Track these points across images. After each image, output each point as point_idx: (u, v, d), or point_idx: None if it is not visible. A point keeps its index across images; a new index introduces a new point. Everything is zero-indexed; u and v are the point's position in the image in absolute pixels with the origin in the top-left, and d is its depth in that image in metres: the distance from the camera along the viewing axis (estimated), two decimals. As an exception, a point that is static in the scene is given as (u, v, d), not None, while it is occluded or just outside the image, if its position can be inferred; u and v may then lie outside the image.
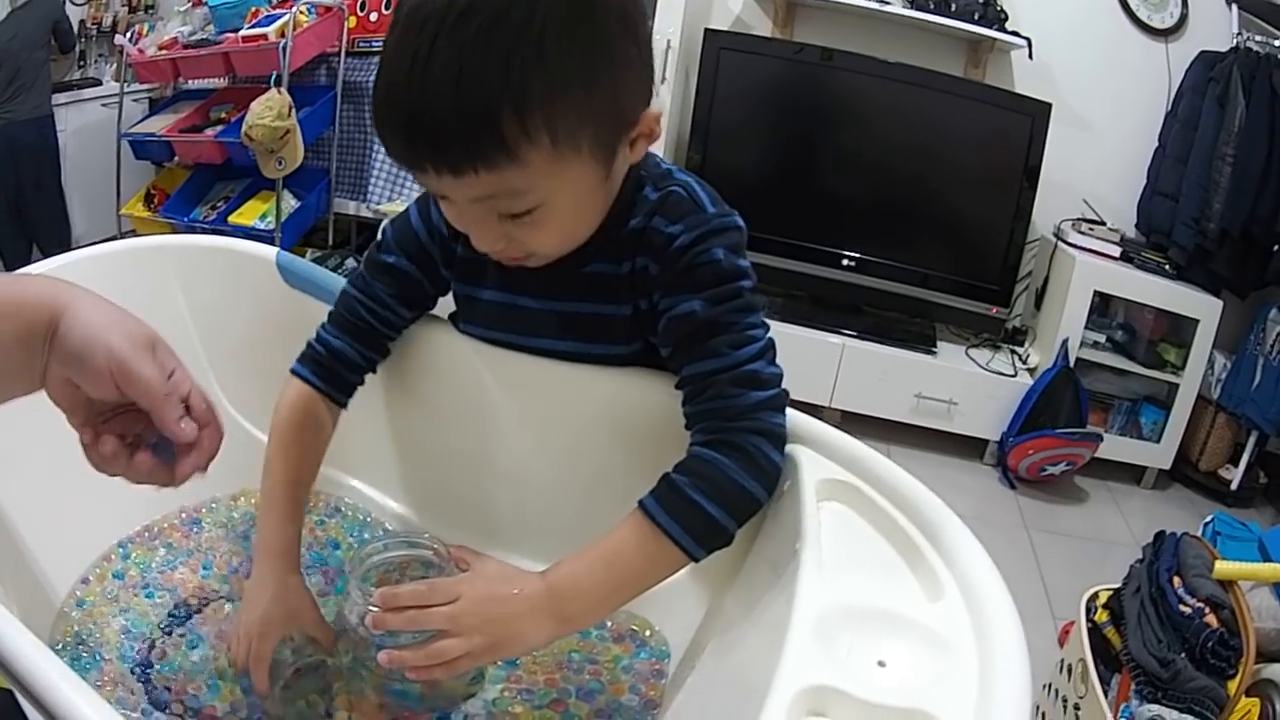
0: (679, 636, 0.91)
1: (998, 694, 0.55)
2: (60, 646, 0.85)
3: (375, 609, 0.76)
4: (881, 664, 0.58)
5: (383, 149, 3.44)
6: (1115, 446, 3.04)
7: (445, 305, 0.99)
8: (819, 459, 0.80)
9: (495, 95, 0.66)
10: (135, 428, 0.67)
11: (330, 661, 0.84)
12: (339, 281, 1.00)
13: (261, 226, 3.34)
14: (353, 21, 3.44)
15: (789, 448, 0.81)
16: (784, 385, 0.81)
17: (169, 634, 0.90)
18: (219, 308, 1.11)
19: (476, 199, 0.72)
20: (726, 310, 0.80)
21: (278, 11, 3.42)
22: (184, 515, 1.05)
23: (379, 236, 0.96)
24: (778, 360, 0.82)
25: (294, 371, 0.95)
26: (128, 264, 1.08)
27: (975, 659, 0.58)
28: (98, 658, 0.85)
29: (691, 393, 0.81)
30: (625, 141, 0.76)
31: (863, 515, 0.75)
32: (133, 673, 0.85)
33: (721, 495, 0.76)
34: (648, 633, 0.94)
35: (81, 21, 4.53)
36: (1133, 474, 3.14)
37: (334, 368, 0.94)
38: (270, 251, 1.09)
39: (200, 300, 1.11)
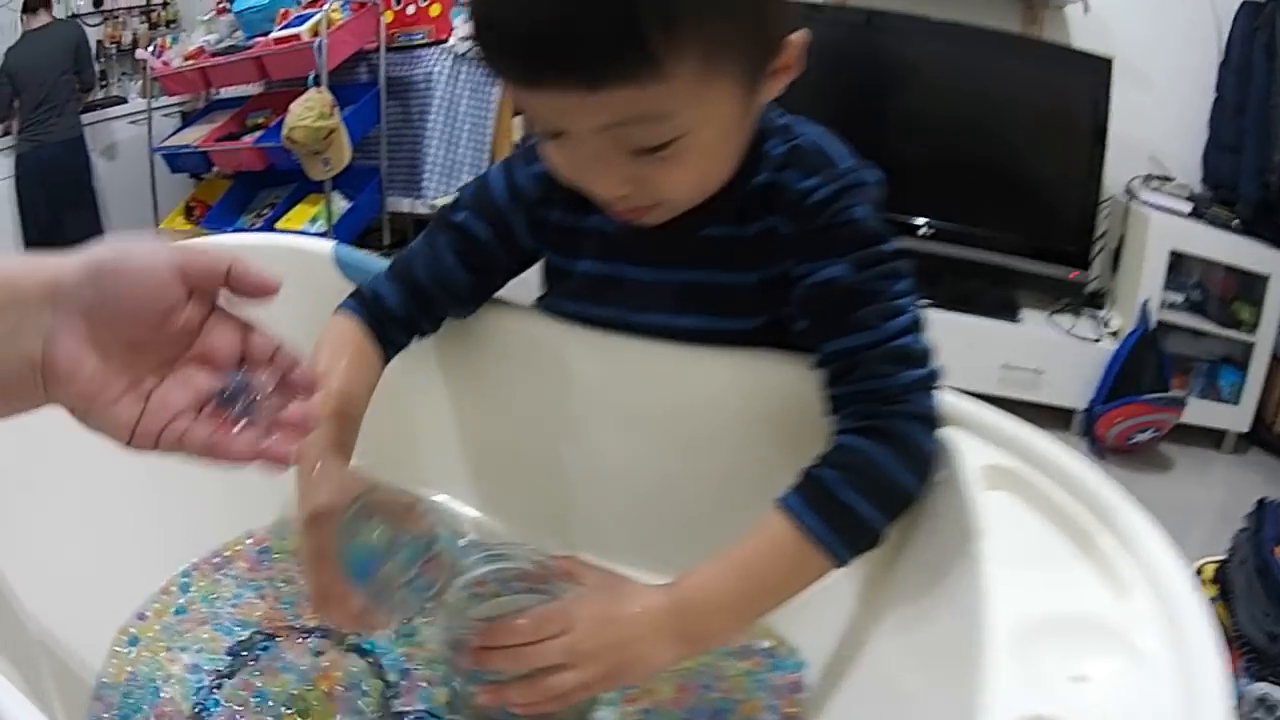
0: (813, 648, 0.80)
1: (1204, 709, 0.47)
2: (110, 683, 0.76)
3: (470, 639, 0.66)
4: (1078, 679, 0.50)
5: (434, 142, 3.47)
6: (1195, 410, 2.94)
7: (527, 292, 0.90)
8: (976, 443, 0.71)
9: None
10: (183, 395, 0.52)
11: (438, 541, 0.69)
12: None
13: (312, 231, 3.28)
14: (389, 16, 3.39)
15: (940, 431, 0.71)
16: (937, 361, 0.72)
17: (234, 673, 0.79)
18: (272, 310, 0.99)
19: (605, 127, 0.62)
20: (873, 276, 0.70)
21: (308, 11, 3.36)
22: (251, 542, 0.95)
23: (456, 197, 0.86)
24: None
25: (338, 309, 0.84)
26: None
27: (1173, 666, 0.51)
28: (155, 693, 0.76)
29: (836, 372, 0.71)
30: (768, 72, 0.66)
31: (1032, 505, 0.65)
32: (196, 712, 0.75)
33: (874, 490, 0.67)
34: (771, 644, 0.83)
35: (99, 41, 4.50)
36: (1212, 439, 3.03)
37: (379, 314, 0.83)
38: (326, 246, 0.99)
39: (261, 310, 1.01)
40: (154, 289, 0.49)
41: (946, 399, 0.72)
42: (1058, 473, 0.66)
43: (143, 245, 0.49)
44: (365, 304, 0.84)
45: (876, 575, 0.74)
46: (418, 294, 0.84)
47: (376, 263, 0.93)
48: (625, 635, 0.66)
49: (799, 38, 0.66)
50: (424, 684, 0.78)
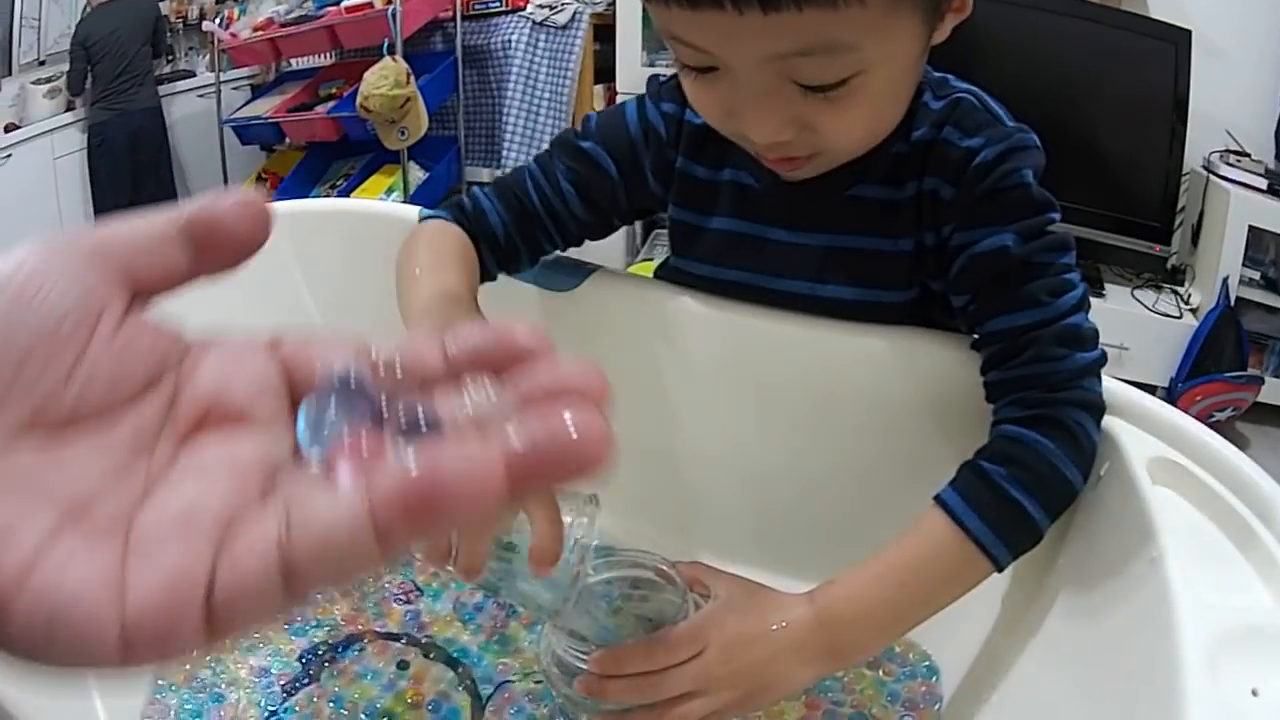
0: (945, 653, 0.75)
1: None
2: (170, 686, 0.71)
3: (586, 666, 0.59)
4: (1255, 693, 0.46)
5: (513, 111, 3.45)
6: (1271, 389, 2.88)
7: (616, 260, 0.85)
8: (1140, 435, 0.64)
9: None
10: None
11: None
12: None
13: (405, 204, 3.27)
14: (464, -17, 3.37)
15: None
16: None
17: (309, 678, 0.73)
18: (345, 282, 0.94)
19: (776, 57, 0.56)
20: (1042, 247, 0.65)
21: (381, -21, 3.35)
22: None
23: (581, 126, 0.79)
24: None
25: (428, 217, 0.78)
26: None
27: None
28: (218, 699, 0.71)
29: (1002, 353, 0.65)
30: (945, 10, 0.61)
31: (1195, 504, 0.60)
32: None
33: (1041, 487, 0.61)
34: (901, 648, 0.76)
35: (164, 16, 4.53)
36: (1286, 417, 2.99)
37: (473, 229, 0.76)
38: (409, 211, 0.90)
39: (321, 274, 0.96)
40: (34, 299, 0.25)
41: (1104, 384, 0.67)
42: (1223, 470, 0.60)
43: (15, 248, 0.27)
44: (466, 216, 0.77)
45: (1023, 575, 0.68)
46: (524, 219, 0.77)
47: None
48: (764, 655, 0.60)
49: None
50: (524, 699, 0.71)
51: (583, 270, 0.85)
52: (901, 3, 0.56)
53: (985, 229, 0.66)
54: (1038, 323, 0.64)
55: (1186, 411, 2.58)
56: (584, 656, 0.59)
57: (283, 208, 0.98)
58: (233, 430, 0.27)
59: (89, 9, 3.92)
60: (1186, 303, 2.91)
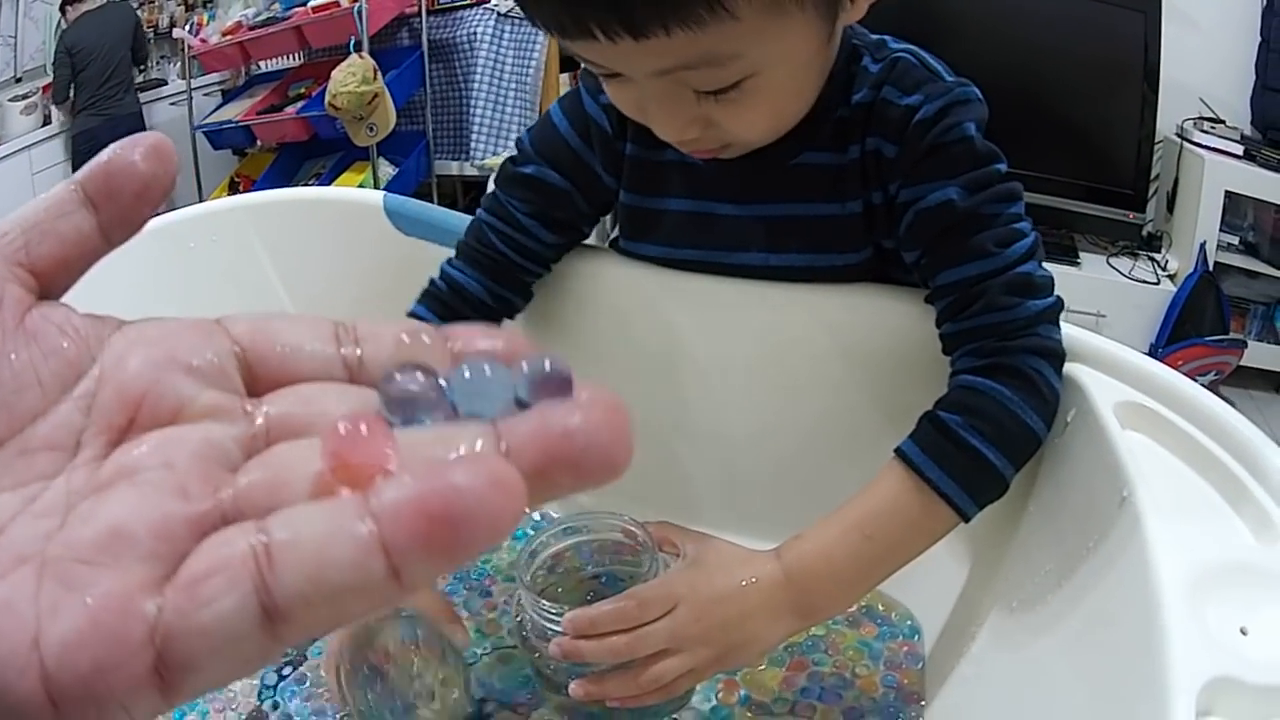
0: (926, 610, 0.75)
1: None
2: None
3: (560, 630, 0.59)
4: (1244, 632, 0.46)
5: (480, 103, 3.46)
6: (1254, 353, 2.90)
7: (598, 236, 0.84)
8: (1106, 380, 0.64)
9: None
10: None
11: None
12: (465, 220, 0.82)
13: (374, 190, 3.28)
14: (429, -21, 3.36)
15: (1066, 368, 0.66)
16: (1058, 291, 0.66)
17: (304, 654, 0.73)
18: (316, 270, 0.93)
19: (664, 71, 0.56)
20: (988, 198, 0.64)
21: (347, -22, 3.35)
22: None
23: (515, 150, 0.79)
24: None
25: (411, 314, 0.77)
26: (198, 232, 0.93)
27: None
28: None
29: (954, 305, 0.65)
30: None
31: (1169, 448, 0.59)
32: (261, 702, 0.70)
33: (1001, 436, 0.60)
34: (882, 607, 0.76)
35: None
36: (1271, 381, 3.00)
37: (460, 309, 0.75)
38: (374, 196, 0.91)
39: (292, 263, 0.94)
40: None
41: (1067, 332, 0.66)
42: (1197, 414, 0.59)
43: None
44: (443, 302, 0.76)
45: (994, 526, 0.67)
46: (500, 273, 0.77)
47: (428, 210, 0.87)
48: (735, 612, 0.61)
49: None
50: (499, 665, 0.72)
51: None
52: (783, 5, 0.55)
53: (930, 184, 0.66)
54: (987, 273, 0.64)
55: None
56: (556, 619, 0.59)
57: (249, 200, 0.97)
58: (175, 428, 0.22)
59: (67, 21, 3.91)
60: (1164, 269, 2.92)
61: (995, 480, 0.61)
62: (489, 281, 0.77)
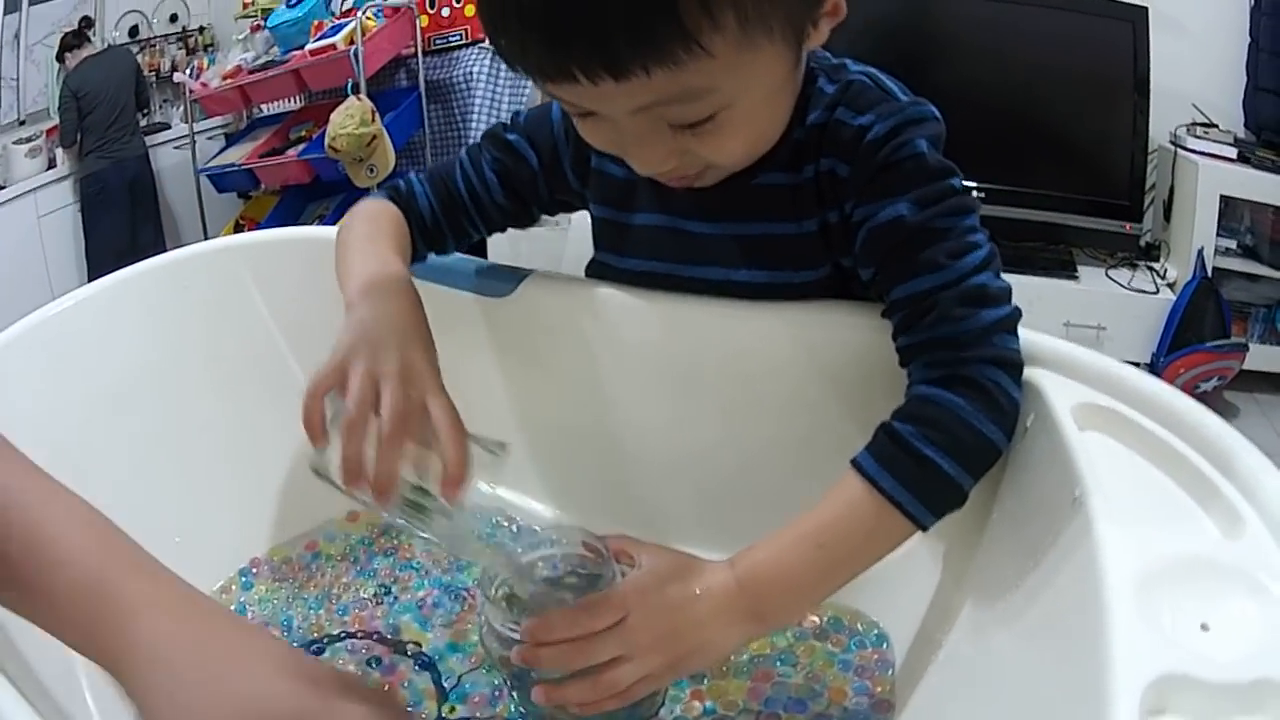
0: (893, 619, 0.75)
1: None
2: None
3: (519, 638, 0.61)
4: (1205, 628, 0.46)
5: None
6: (1257, 356, 2.89)
7: (579, 260, 0.86)
8: (1064, 382, 0.64)
9: None
10: None
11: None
12: (452, 259, 0.87)
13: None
14: (425, 20, 3.39)
15: (1025, 373, 0.65)
16: (1015, 301, 0.66)
17: None
18: (308, 309, 0.91)
19: (641, 109, 0.58)
20: (939, 213, 0.65)
21: (342, 21, 3.38)
22: (305, 548, 0.92)
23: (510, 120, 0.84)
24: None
25: (369, 197, 0.82)
26: (191, 272, 0.94)
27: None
28: None
29: (907, 318, 0.66)
30: (813, 20, 0.62)
31: (1131, 446, 0.59)
32: None
33: (956, 446, 0.61)
34: (848, 618, 0.77)
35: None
36: (1275, 383, 2.98)
37: (405, 210, 0.80)
38: None
39: (285, 304, 0.95)
40: None
41: (1024, 337, 0.66)
42: (1160, 412, 0.59)
43: None
44: (400, 196, 0.81)
45: (960, 535, 0.68)
46: (450, 204, 0.81)
47: None
48: (687, 620, 0.61)
49: None
50: (481, 683, 0.74)
51: (517, 275, 0.87)
52: (757, 37, 0.57)
53: (881, 201, 0.66)
54: (940, 285, 0.64)
55: (1171, 384, 2.55)
56: (516, 628, 0.61)
57: (241, 240, 1.00)
58: None
59: (66, 68, 3.95)
60: (1163, 278, 2.92)
61: (951, 490, 0.61)
62: (437, 206, 0.81)
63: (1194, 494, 0.54)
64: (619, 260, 0.83)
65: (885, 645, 0.75)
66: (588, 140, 0.67)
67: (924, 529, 0.61)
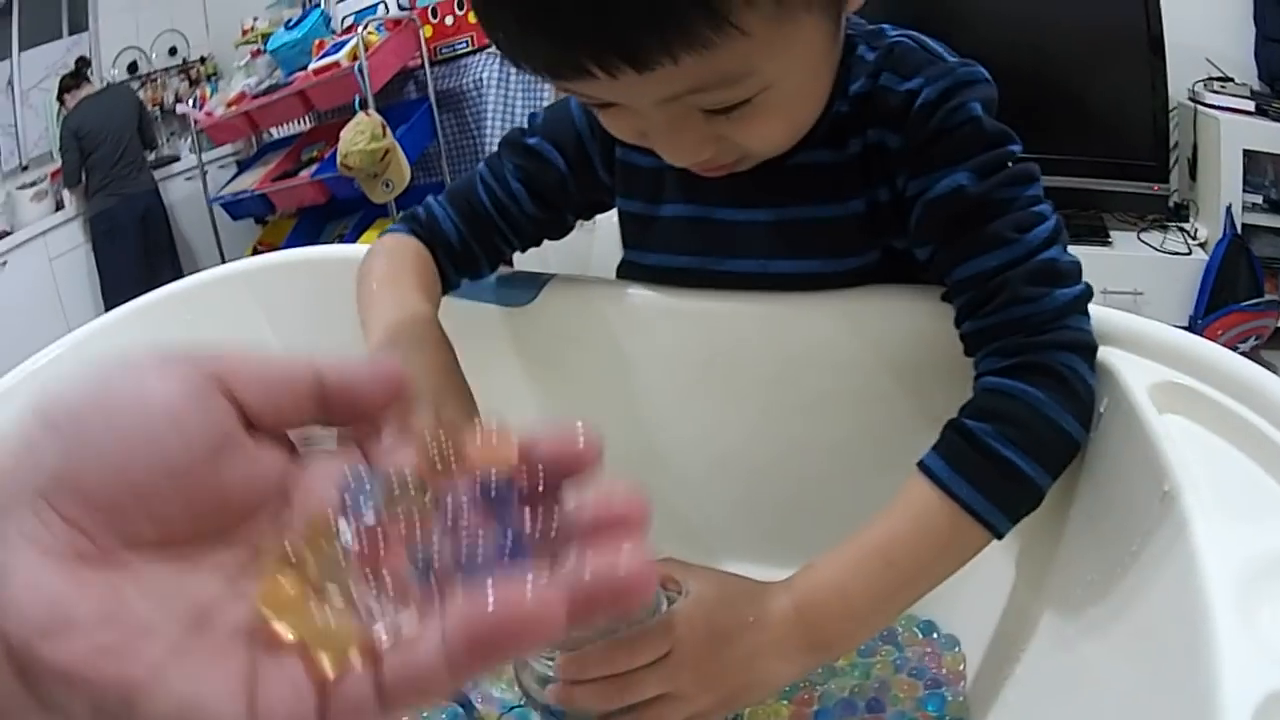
0: (964, 626, 0.70)
1: None
2: None
3: (554, 674, 0.56)
4: None
5: (494, 148, 3.52)
6: (1291, 312, 2.88)
7: (607, 262, 0.82)
8: (1139, 361, 0.58)
9: None
10: None
11: None
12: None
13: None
14: (428, 30, 3.38)
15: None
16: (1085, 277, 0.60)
17: None
18: (317, 334, 0.88)
19: (671, 98, 0.53)
20: (1002, 182, 0.60)
21: (344, 38, 3.38)
22: None
23: (527, 122, 0.78)
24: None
25: (387, 232, 0.76)
26: (196, 302, 0.92)
27: None
28: None
29: (973, 300, 0.60)
30: None
31: (1215, 430, 0.53)
32: None
33: (1035, 443, 0.55)
34: (902, 624, 0.73)
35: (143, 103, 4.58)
36: (1309, 341, 2.97)
37: (430, 241, 0.74)
38: (365, 251, 0.89)
39: (292, 328, 0.93)
40: (164, 423, 0.26)
41: (1092, 314, 0.61)
42: (1245, 391, 0.53)
43: (139, 365, 0.27)
44: (421, 226, 0.75)
45: (1033, 534, 0.62)
46: (478, 223, 0.75)
47: None
48: (741, 654, 0.55)
49: None
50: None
51: (537, 281, 0.83)
52: (792, 10, 0.51)
53: (938, 172, 0.61)
54: (1007, 263, 0.59)
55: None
56: (551, 663, 0.57)
57: (243, 266, 0.97)
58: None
59: (66, 108, 3.96)
60: (1194, 238, 2.89)
61: (1030, 492, 0.56)
62: (464, 228, 0.75)
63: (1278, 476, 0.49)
64: (645, 257, 0.78)
65: (957, 649, 0.71)
66: (611, 132, 0.62)
67: (999, 537, 0.56)
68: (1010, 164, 0.61)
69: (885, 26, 0.67)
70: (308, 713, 0.25)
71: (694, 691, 0.55)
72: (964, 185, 0.60)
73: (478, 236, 0.75)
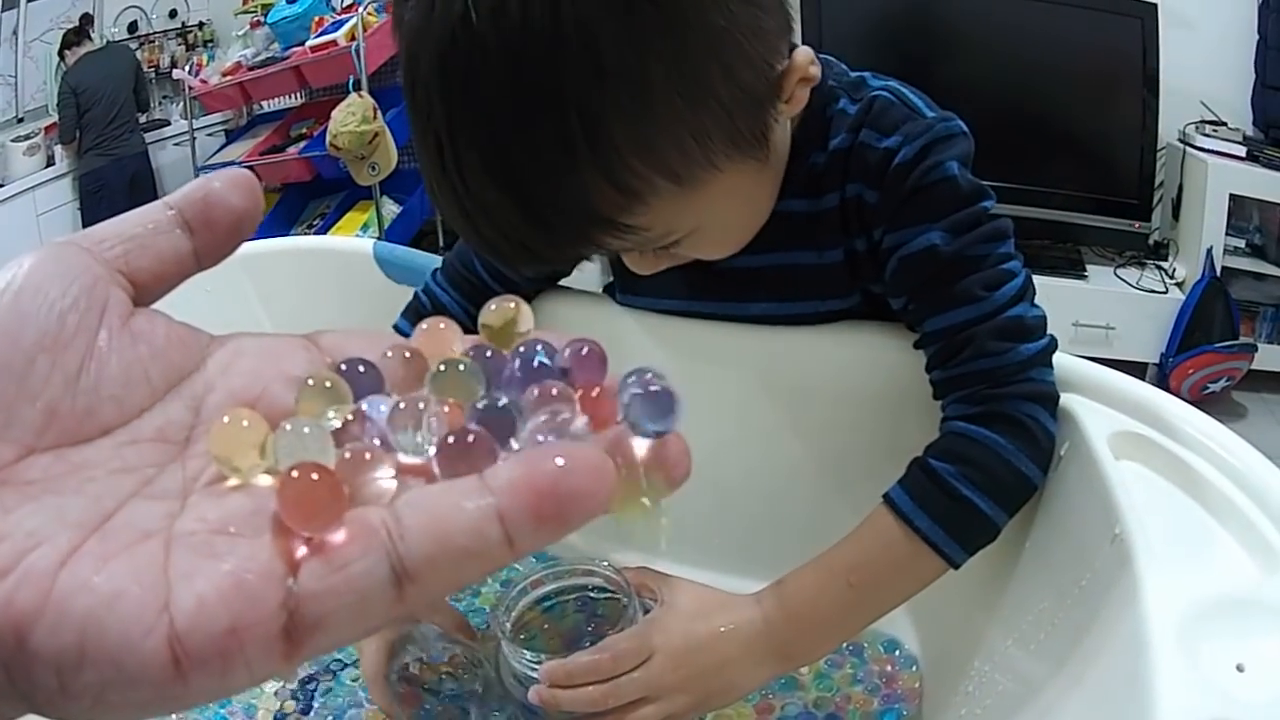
0: (921, 644, 0.74)
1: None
2: None
3: (534, 675, 0.60)
4: (1240, 669, 0.44)
5: None
6: (1265, 356, 2.88)
7: (590, 279, 0.83)
8: (1099, 409, 0.62)
9: (575, 183, 0.50)
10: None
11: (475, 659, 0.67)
12: None
13: (365, 238, 3.28)
14: (427, 17, 3.36)
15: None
16: (1050, 331, 0.64)
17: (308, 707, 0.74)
18: (310, 319, 0.92)
19: (609, 251, 0.61)
20: (973, 240, 0.63)
21: (344, 17, 3.36)
22: None
23: None
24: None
25: (396, 328, 0.78)
26: (194, 281, 0.93)
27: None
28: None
29: (942, 352, 0.64)
30: (775, 111, 0.59)
31: (1166, 476, 0.57)
32: None
33: (993, 484, 0.60)
34: (868, 640, 0.76)
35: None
36: (1281, 383, 2.98)
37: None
38: (364, 244, 0.93)
39: (286, 312, 0.95)
40: (29, 296, 0.24)
41: (1057, 363, 0.64)
42: (1193, 441, 0.57)
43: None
44: (423, 316, 0.76)
45: (990, 565, 0.65)
46: (478, 296, 0.76)
47: (419, 258, 0.88)
48: (713, 660, 0.61)
49: (801, 56, 0.58)
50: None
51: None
52: (699, 176, 0.54)
53: (913, 228, 0.64)
54: (976, 318, 0.62)
55: (1179, 385, 2.55)
56: (536, 667, 0.60)
57: (243, 250, 0.97)
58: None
59: (66, 64, 3.94)
60: (1171, 277, 2.91)
61: (986, 528, 0.61)
62: (466, 303, 0.77)
63: (1231, 529, 0.53)
64: (634, 300, 0.80)
65: (914, 668, 0.74)
66: None
67: (956, 567, 0.61)
68: (985, 222, 0.63)
69: (867, 76, 0.69)
70: (260, 600, 0.20)
71: (671, 694, 0.60)
72: (937, 244, 0.63)
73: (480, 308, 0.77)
